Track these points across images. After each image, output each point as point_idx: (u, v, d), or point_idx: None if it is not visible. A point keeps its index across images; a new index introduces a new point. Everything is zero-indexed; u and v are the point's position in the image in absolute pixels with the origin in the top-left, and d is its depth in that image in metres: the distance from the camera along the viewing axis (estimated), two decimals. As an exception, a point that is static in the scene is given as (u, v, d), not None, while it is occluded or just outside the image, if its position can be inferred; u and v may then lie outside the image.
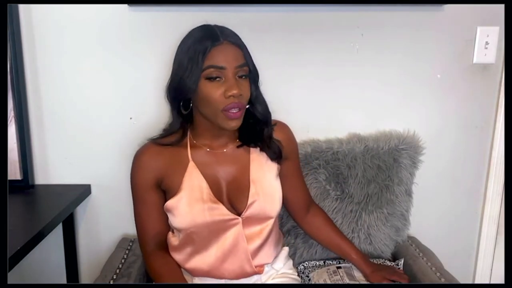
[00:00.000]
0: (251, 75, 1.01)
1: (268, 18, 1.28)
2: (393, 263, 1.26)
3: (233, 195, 1.05)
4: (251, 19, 1.26)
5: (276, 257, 1.12)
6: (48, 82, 1.29)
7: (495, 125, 1.40)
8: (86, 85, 1.30)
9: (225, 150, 1.06)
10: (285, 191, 1.11)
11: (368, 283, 1.15)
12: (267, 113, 1.07)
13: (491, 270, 1.50)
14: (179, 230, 1.05)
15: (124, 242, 1.31)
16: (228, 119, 0.96)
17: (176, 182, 1.02)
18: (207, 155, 1.05)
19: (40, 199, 1.29)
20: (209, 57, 0.94)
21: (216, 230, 1.02)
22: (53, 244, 1.37)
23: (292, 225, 1.28)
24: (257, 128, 1.06)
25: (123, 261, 1.20)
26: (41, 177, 1.35)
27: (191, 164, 1.03)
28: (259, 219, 1.05)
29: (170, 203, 1.03)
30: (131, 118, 1.32)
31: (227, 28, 1.00)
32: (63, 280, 1.39)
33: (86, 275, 1.42)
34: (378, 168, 1.28)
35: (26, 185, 1.30)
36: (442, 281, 1.12)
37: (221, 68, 0.94)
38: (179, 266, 1.07)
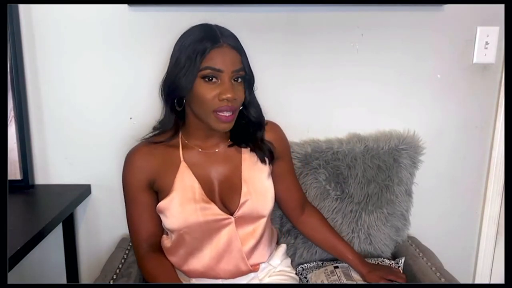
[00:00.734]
0: (247, 79, 1.01)
1: (268, 18, 1.28)
2: (393, 262, 1.26)
3: (225, 194, 1.05)
4: (251, 19, 1.26)
5: (271, 254, 1.13)
6: (48, 82, 1.29)
7: (495, 125, 1.40)
8: (86, 85, 1.30)
9: (216, 150, 1.07)
10: (278, 191, 1.11)
11: (366, 283, 1.15)
12: (260, 116, 1.07)
13: (491, 270, 1.50)
14: (171, 231, 1.05)
15: (124, 242, 1.31)
16: (219, 121, 0.97)
17: (168, 182, 1.02)
18: (198, 155, 1.05)
19: (40, 199, 1.29)
20: (207, 58, 0.94)
21: (208, 230, 1.02)
22: (53, 244, 1.37)
23: (292, 225, 1.28)
24: (249, 130, 1.07)
25: (123, 261, 1.20)
26: (41, 177, 1.35)
27: (183, 165, 1.03)
28: (252, 218, 1.05)
29: (162, 204, 1.02)
30: (131, 118, 1.32)
31: (227, 30, 1.00)
32: (63, 280, 1.39)
33: (86, 275, 1.42)
34: (378, 168, 1.28)
35: (26, 185, 1.30)
36: (442, 281, 1.12)
37: (218, 70, 0.95)
38: (173, 267, 1.07)
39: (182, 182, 1.02)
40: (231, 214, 1.03)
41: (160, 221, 1.07)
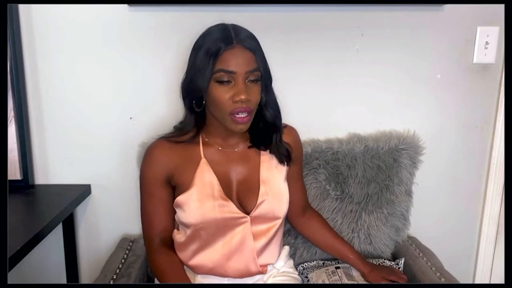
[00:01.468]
0: (263, 79, 1.01)
1: (268, 18, 1.28)
2: (393, 263, 1.26)
3: (242, 194, 1.05)
4: (251, 19, 1.25)
5: (278, 257, 1.13)
6: (48, 82, 1.29)
7: (495, 125, 1.40)
8: (86, 85, 1.30)
9: (236, 150, 1.08)
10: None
11: (368, 283, 1.15)
12: (277, 118, 1.07)
13: (491, 270, 1.50)
14: (187, 226, 1.05)
15: (124, 242, 1.31)
16: (235, 123, 0.97)
17: (187, 178, 1.03)
18: (218, 153, 1.06)
19: (40, 199, 1.29)
20: (220, 60, 0.94)
21: (224, 227, 1.03)
22: (53, 244, 1.37)
23: (292, 226, 1.28)
24: (267, 132, 1.07)
25: (123, 261, 1.20)
26: (41, 177, 1.35)
27: (203, 161, 1.04)
28: (267, 218, 1.06)
29: (180, 198, 1.03)
30: (131, 118, 1.32)
31: (244, 30, 0.99)
32: (63, 280, 1.39)
33: (86, 275, 1.42)
34: (378, 168, 1.28)
35: (26, 185, 1.29)
36: (442, 281, 1.12)
37: (231, 72, 0.94)
38: (182, 265, 1.07)
39: (202, 178, 1.03)
40: (247, 213, 1.04)
41: (173, 216, 1.08)
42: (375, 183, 1.28)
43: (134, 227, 1.36)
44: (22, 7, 1.24)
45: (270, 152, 1.09)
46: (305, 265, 1.26)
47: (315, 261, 1.28)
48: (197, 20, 1.23)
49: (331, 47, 1.31)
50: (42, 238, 1.06)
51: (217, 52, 0.94)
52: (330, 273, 1.20)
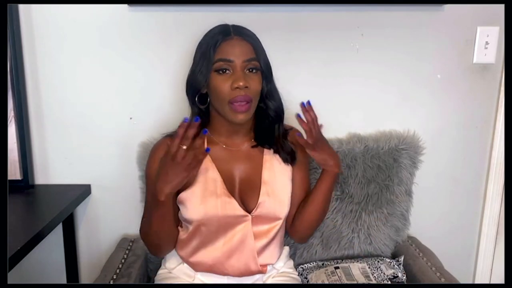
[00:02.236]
0: (263, 70, 1.02)
1: (268, 18, 1.28)
2: (393, 260, 1.26)
3: (244, 192, 1.06)
4: (251, 19, 1.25)
5: (278, 257, 1.13)
6: (48, 82, 1.29)
7: (495, 125, 1.40)
8: (86, 85, 1.30)
9: (240, 148, 1.08)
10: None
11: (367, 283, 1.15)
12: (279, 110, 1.08)
13: (491, 270, 1.50)
14: (189, 222, 1.05)
15: (124, 242, 1.31)
16: (235, 112, 0.98)
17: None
18: (222, 151, 1.07)
19: (40, 199, 1.29)
20: (218, 50, 0.97)
21: (225, 224, 1.03)
22: (53, 244, 1.37)
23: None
24: (270, 127, 1.08)
25: (123, 261, 1.20)
26: (41, 177, 1.35)
27: (207, 158, 1.04)
28: (268, 218, 1.06)
29: (183, 194, 1.03)
30: (131, 118, 1.32)
31: (243, 27, 1.03)
32: (63, 280, 1.39)
33: (86, 275, 1.42)
34: (378, 168, 1.28)
35: (26, 185, 1.29)
36: (442, 281, 1.12)
37: (229, 61, 0.97)
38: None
39: (205, 175, 1.03)
40: (249, 212, 1.04)
41: (175, 215, 1.07)
42: (375, 183, 1.28)
43: (134, 227, 1.36)
44: (22, 7, 1.24)
45: (274, 152, 1.09)
46: (305, 266, 1.26)
47: (314, 262, 1.28)
48: (197, 20, 1.24)
49: (331, 47, 1.31)
50: (42, 238, 1.06)
51: (215, 43, 0.98)
52: (330, 273, 1.20)
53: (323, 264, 1.26)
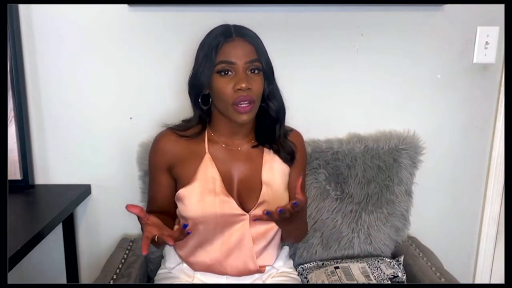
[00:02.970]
0: (265, 71, 1.02)
1: (268, 18, 1.28)
2: (393, 260, 1.26)
3: (242, 192, 1.06)
4: (251, 19, 1.25)
5: (276, 258, 1.13)
6: (48, 82, 1.29)
7: (495, 125, 1.40)
8: (85, 85, 1.30)
9: (240, 149, 1.08)
10: None
11: (368, 283, 1.15)
12: (281, 109, 1.08)
13: (491, 270, 1.50)
14: (187, 220, 1.06)
15: (124, 242, 1.31)
16: (238, 113, 0.98)
17: (190, 171, 1.04)
18: (222, 150, 1.07)
19: (40, 199, 1.29)
20: (220, 52, 0.97)
21: (223, 223, 1.03)
22: (53, 244, 1.37)
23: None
24: (272, 128, 1.08)
25: (123, 261, 1.20)
26: (41, 177, 1.35)
27: (207, 156, 1.05)
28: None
29: (182, 191, 1.04)
30: (131, 118, 1.32)
31: (245, 28, 1.02)
32: (63, 280, 1.39)
33: (86, 275, 1.42)
34: (378, 168, 1.29)
35: (26, 185, 1.30)
36: (442, 281, 1.12)
37: (231, 63, 0.97)
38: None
39: (205, 173, 1.04)
40: (247, 211, 1.04)
41: (172, 202, 1.09)
42: (375, 183, 1.28)
43: (134, 227, 1.36)
44: (22, 7, 1.24)
45: (274, 152, 1.09)
46: (305, 266, 1.26)
47: (314, 262, 1.28)
48: (197, 20, 1.24)
49: (331, 47, 1.31)
50: (42, 238, 1.06)
51: (217, 45, 0.97)
52: (330, 273, 1.20)
53: (323, 264, 1.26)
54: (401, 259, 1.25)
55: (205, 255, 1.05)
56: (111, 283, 1.09)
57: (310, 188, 1.28)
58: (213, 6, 1.25)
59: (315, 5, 1.27)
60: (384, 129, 1.36)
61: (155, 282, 1.14)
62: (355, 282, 1.15)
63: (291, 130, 1.14)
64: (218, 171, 1.05)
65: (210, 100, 1.04)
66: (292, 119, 1.18)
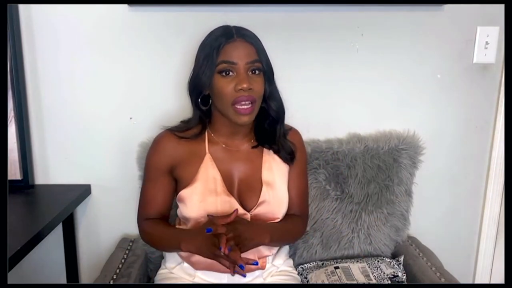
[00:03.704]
0: (265, 71, 1.03)
1: (268, 18, 1.28)
2: (393, 260, 1.26)
3: (243, 192, 1.07)
4: (251, 19, 1.25)
5: (276, 253, 1.14)
6: (48, 82, 1.29)
7: (495, 125, 1.40)
8: (86, 85, 1.30)
9: (240, 149, 1.09)
10: None
11: (368, 282, 1.15)
12: (281, 110, 1.09)
13: (491, 270, 1.50)
14: (188, 221, 1.06)
15: (124, 242, 1.31)
16: (238, 114, 0.99)
17: (190, 172, 1.05)
18: (222, 151, 1.08)
19: (40, 199, 1.29)
20: (222, 52, 0.98)
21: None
22: (53, 244, 1.37)
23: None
24: (272, 129, 1.09)
25: (123, 261, 1.20)
26: (41, 177, 1.35)
27: (208, 157, 1.06)
28: (266, 218, 1.07)
29: (183, 193, 1.04)
30: (131, 118, 1.32)
31: (245, 29, 1.03)
32: (63, 280, 1.39)
33: (86, 275, 1.42)
34: (378, 168, 1.28)
35: (26, 185, 1.29)
36: (442, 281, 1.12)
37: (233, 63, 0.97)
38: (169, 225, 1.12)
39: (206, 173, 1.04)
40: (247, 211, 1.05)
41: (170, 205, 1.11)
42: (375, 183, 1.28)
43: (134, 227, 1.35)
44: (22, 7, 1.24)
45: (274, 152, 1.10)
46: (305, 266, 1.26)
47: (314, 262, 1.28)
48: (197, 20, 1.24)
49: (331, 47, 1.31)
50: (42, 238, 1.06)
51: (219, 46, 0.98)
52: (329, 273, 1.20)
53: (323, 264, 1.26)
54: (401, 259, 1.26)
55: None
56: (111, 283, 1.09)
57: (310, 188, 1.27)
58: (214, 6, 1.25)
59: (315, 5, 1.27)
60: (384, 129, 1.36)
61: (156, 282, 1.14)
62: (355, 282, 1.15)
63: (290, 128, 1.15)
64: (219, 171, 1.05)
65: (210, 100, 1.05)
66: (292, 119, 1.18)
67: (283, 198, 1.09)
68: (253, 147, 1.10)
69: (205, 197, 1.03)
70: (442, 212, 1.46)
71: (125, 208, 1.35)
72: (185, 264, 1.10)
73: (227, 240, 0.91)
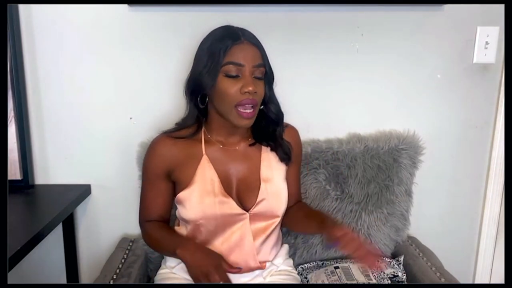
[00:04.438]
0: (267, 76, 1.04)
1: (268, 18, 1.28)
2: (393, 260, 1.26)
3: (241, 191, 1.07)
4: (251, 19, 1.26)
5: (276, 254, 1.14)
6: (48, 82, 1.29)
7: (495, 125, 1.40)
8: (86, 85, 1.30)
9: (237, 148, 1.09)
10: None
11: (366, 283, 1.15)
12: (280, 113, 1.10)
13: (491, 270, 1.50)
14: (187, 222, 1.07)
15: (124, 242, 1.31)
16: (241, 117, 0.99)
17: (188, 174, 1.05)
18: (219, 151, 1.08)
19: (40, 199, 1.29)
20: (229, 54, 0.97)
21: (223, 223, 1.04)
22: (53, 244, 1.37)
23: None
24: (270, 128, 1.10)
25: (123, 261, 1.20)
26: (41, 177, 1.35)
27: (205, 158, 1.05)
28: (266, 216, 1.08)
29: (182, 195, 1.05)
30: (131, 118, 1.32)
31: (249, 31, 1.03)
32: (63, 280, 1.39)
33: (86, 275, 1.42)
34: (378, 168, 1.29)
35: (26, 185, 1.29)
36: (442, 281, 1.12)
37: (240, 65, 0.97)
38: (172, 229, 1.13)
39: (203, 174, 1.04)
40: (246, 210, 1.05)
41: (170, 207, 1.12)
42: (375, 183, 1.28)
43: (134, 227, 1.35)
44: (22, 7, 1.24)
45: (272, 149, 1.10)
46: (304, 266, 1.26)
47: (314, 262, 1.28)
48: (197, 20, 1.24)
49: (331, 47, 1.31)
50: (42, 238, 1.06)
51: (226, 47, 0.97)
52: (329, 273, 1.20)
53: (323, 264, 1.26)
54: (401, 259, 1.25)
55: None
56: (111, 283, 1.09)
57: (310, 188, 1.28)
58: (213, 6, 1.25)
59: (315, 5, 1.27)
60: (384, 129, 1.36)
61: (156, 282, 1.14)
62: (355, 282, 1.15)
63: (286, 126, 1.15)
64: (216, 172, 1.05)
65: (206, 100, 1.04)
66: (292, 119, 1.19)
67: (282, 195, 1.09)
68: (250, 145, 1.10)
69: (203, 199, 1.03)
70: (442, 212, 1.46)
71: (125, 208, 1.36)
72: None
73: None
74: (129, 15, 1.26)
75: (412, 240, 1.37)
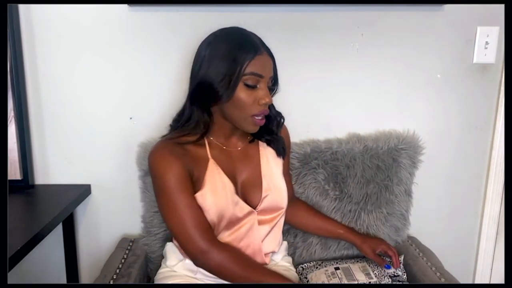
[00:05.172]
0: (275, 85, 1.07)
1: (268, 18, 1.28)
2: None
3: (246, 190, 1.08)
4: (251, 19, 1.26)
5: (278, 245, 1.16)
6: (48, 82, 1.29)
7: (495, 125, 1.40)
8: (86, 85, 1.30)
9: (238, 148, 1.11)
10: None
11: (368, 282, 1.15)
12: (280, 115, 1.14)
13: (491, 270, 1.50)
14: None
15: (124, 242, 1.31)
16: (254, 125, 1.02)
17: (198, 178, 1.03)
18: (223, 152, 1.08)
19: (40, 199, 1.29)
20: (251, 64, 0.97)
21: (232, 223, 1.05)
22: (53, 244, 1.38)
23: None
24: (269, 126, 1.11)
25: (123, 261, 1.21)
26: (41, 177, 1.35)
27: (211, 161, 1.05)
28: (271, 210, 1.10)
29: (196, 197, 1.03)
30: (131, 118, 1.32)
31: (259, 37, 1.03)
32: (63, 280, 1.39)
33: (86, 275, 1.42)
34: (377, 168, 1.28)
35: (26, 185, 1.30)
36: (442, 281, 1.12)
37: (261, 76, 0.98)
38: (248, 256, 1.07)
39: (213, 178, 1.04)
40: (253, 207, 1.07)
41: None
42: (374, 183, 1.28)
43: (134, 227, 1.36)
44: (22, 7, 1.24)
45: (269, 145, 1.13)
46: (305, 266, 1.26)
47: (314, 262, 1.28)
48: (197, 20, 1.24)
49: (331, 47, 1.31)
50: (42, 238, 1.06)
51: (251, 57, 0.96)
52: (330, 274, 1.20)
53: (322, 263, 1.26)
54: (401, 259, 1.25)
55: None
56: (111, 283, 1.09)
57: (309, 188, 1.28)
58: (213, 6, 1.25)
59: (315, 5, 1.27)
60: (383, 129, 1.36)
61: (156, 282, 1.14)
62: (355, 282, 1.15)
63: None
64: (225, 173, 1.05)
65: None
66: (292, 119, 1.19)
67: (282, 188, 1.12)
68: (250, 142, 1.12)
69: (216, 202, 1.02)
70: (442, 212, 1.46)
71: (125, 208, 1.36)
72: (187, 261, 1.09)
73: None
74: (129, 15, 1.26)
75: (412, 240, 1.37)
